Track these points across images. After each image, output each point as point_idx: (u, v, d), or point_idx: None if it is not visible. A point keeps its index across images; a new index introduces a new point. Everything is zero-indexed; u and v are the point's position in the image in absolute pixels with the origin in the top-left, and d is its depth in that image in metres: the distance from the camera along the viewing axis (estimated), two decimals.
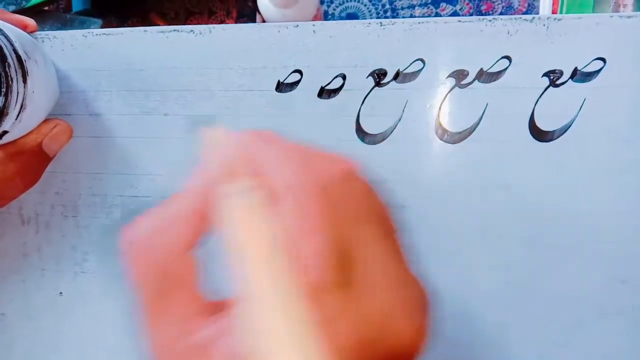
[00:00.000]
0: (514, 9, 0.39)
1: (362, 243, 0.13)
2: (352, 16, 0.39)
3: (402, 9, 0.37)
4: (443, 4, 0.36)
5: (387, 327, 0.13)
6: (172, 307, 0.13)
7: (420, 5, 0.36)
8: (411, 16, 0.39)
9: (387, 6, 0.37)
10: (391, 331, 0.13)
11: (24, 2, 0.35)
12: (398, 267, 0.14)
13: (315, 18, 0.34)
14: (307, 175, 0.13)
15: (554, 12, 0.35)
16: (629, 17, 0.20)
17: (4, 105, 0.19)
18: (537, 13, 0.39)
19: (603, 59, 0.21)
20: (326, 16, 0.39)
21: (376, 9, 0.38)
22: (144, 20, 0.39)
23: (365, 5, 0.38)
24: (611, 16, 0.21)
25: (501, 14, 0.39)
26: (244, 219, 0.13)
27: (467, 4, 0.36)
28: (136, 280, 0.13)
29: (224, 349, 0.12)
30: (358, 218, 0.14)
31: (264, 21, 0.34)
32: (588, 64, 0.21)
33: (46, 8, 0.36)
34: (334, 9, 0.39)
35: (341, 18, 0.39)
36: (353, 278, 0.13)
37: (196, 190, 0.14)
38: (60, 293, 0.26)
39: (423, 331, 0.14)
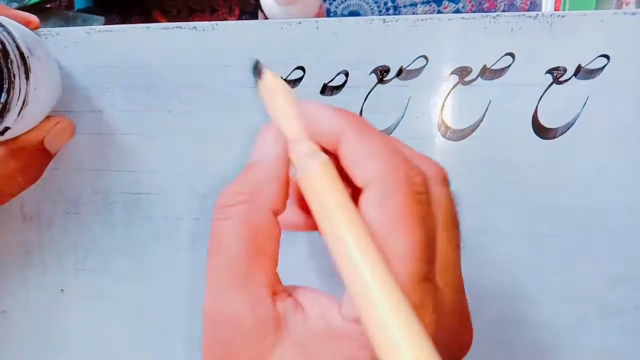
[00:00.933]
0: (516, 7, 0.39)
1: (442, 246, 0.14)
2: (354, 14, 0.39)
3: (405, 6, 0.37)
4: (445, 2, 0.36)
5: (458, 326, 0.14)
6: (255, 273, 0.13)
7: (422, 3, 0.36)
8: (413, 14, 0.39)
9: (389, 4, 0.37)
10: (460, 330, 0.14)
11: (26, 0, 0.35)
12: (461, 276, 0.14)
13: (317, 16, 0.34)
14: (407, 168, 0.13)
15: (556, 9, 0.35)
16: (633, 13, 0.20)
17: (6, 101, 0.19)
18: (540, 10, 0.39)
19: (607, 56, 0.21)
20: (328, 14, 0.39)
21: (378, 6, 0.38)
22: (146, 18, 0.39)
23: (367, 3, 0.38)
24: (615, 13, 0.20)
25: (503, 11, 0.39)
26: (327, 191, 0.13)
27: (470, 2, 0.36)
28: (224, 240, 0.13)
29: (298, 326, 0.13)
30: (444, 221, 0.14)
31: (266, 19, 0.34)
32: (592, 61, 0.21)
33: (48, 5, 0.36)
34: (337, 7, 0.39)
35: (343, 16, 0.39)
36: (433, 273, 0.13)
37: (279, 154, 0.14)
38: (62, 290, 0.26)
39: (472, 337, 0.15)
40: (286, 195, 0.14)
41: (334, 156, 0.14)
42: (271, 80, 0.15)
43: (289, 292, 0.14)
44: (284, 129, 0.15)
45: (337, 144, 0.14)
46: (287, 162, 0.14)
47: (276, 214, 0.14)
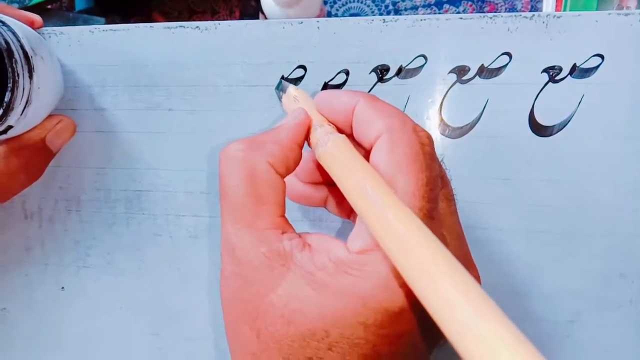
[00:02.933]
0: (517, 12, 0.40)
1: (442, 197, 0.15)
2: (355, 16, 0.39)
3: (405, 10, 0.37)
4: (446, 6, 0.36)
5: (462, 260, 0.14)
6: (259, 215, 0.14)
7: (423, 7, 0.36)
8: None
9: (390, 7, 0.38)
10: (465, 264, 0.14)
11: (27, 0, 0.36)
12: (459, 224, 0.16)
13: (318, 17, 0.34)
14: (414, 123, 0.15)
15: None
16: (626, 14, 0.21)
17: (10, 100, 0.19)
18: None
19: (601, 56, 0.22)
20: (329, 16, 0.39)
21: (379, 9, 0.38)
22: (147, 19, 0.39)
23: (368, 6, 0.39)
24: (609, 14, 0.21)
25: None
26: (344, 154, 0.15)
27: (470, 6, 0.37)
28: (229, 187, 0.15)
29: (305, 260, 0.14)
30: (440, 176, 0.15)
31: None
32: (586, 61, 0.22)
33: (49, 6, 0.36)
34: (337, 9, 0.39)
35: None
36: (437, 215, 0.14)
37: (296, 121, 0.16)
38: (63, 288, 0.26)
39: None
40: (288, 160, 0.16)
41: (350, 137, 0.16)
42: (293, 90, 0.18)
43: (298, 234, 0.15)
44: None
45: (351, 115, 0.15)
46: (297, 134, 0.16)
47: (276, 168, 0.15)
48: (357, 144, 0.16)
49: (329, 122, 0.17)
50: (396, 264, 0.12)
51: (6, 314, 0.26)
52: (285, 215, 0.15)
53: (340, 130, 0.16)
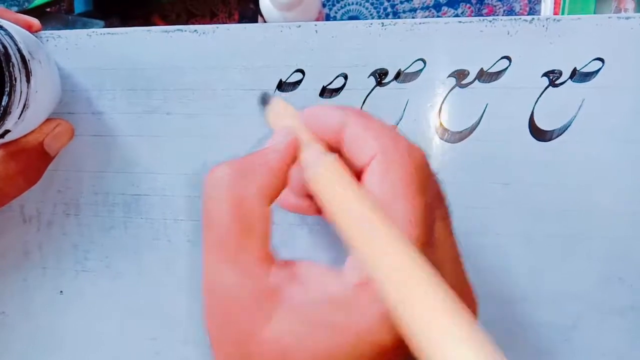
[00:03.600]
0: (515, 14, 0.40)
1: (438, 218, 0.14)
2: (353, 19, 0.39)
3: (404, 12, 0.37)
4: (445, 8, 0.36)
5: (459, 290, 0.14)
6: (245, 249, 0.13)
7: (422, 9, 0.36)
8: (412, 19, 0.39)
9: (389, 10, 0.38)
10: (463, 295, 0.14)
11: (26, 4, 0.36)
12: (456, 247, 0.15)
13: (317, 20, 0.34)
14: (408, 143, 0.14)
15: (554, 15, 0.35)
16: (627, 18, 0.21)
17: (7, 104, 0.19)
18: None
19: (602, 60, 0.21)
20: (328, 19, 0.39)
21: (378, 12, 0.38)
22: (146, 22, 0.39)
23: (367, 8, 0.39)
24: (610, 17, 0.21)
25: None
26: (335, 179, 0.14)
27: (469, 8, 0.37)
28: (214, 218, 0.14)
29: (295, 295, 0.13)
30: (436, 195, 0.15)
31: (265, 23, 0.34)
32: (587, 65, 0.22)
33: (48, 9, 0.36)
34: (336, 12, 0.39)
35: (343, 20, 0.39)
36: (433, 241, 0.14)
37: (286, 143, 0.15)
38: (61, 291, 0.26)
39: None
40: (278, 186, 0.15)
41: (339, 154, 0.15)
42: (277, 104, 0.17)
43: (286, 265, 0.14)
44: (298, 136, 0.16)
45: (341, 134, 0.15)
46: (287, 156, 0.15)
47: (264, 197, 0.14)
48: (346, 162, 0.15)
49: (317, 139, 0.15)
50: (391, 303, 0.12)
51: (5, 318, 0.26)
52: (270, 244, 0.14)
53: (328, 148, 0.15)
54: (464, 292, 0.15)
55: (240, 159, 0.15)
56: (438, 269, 0.13)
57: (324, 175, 0.14)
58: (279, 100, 0.17)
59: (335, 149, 0.15)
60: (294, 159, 0.15)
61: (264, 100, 0.18)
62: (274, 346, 0.13)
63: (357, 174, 0.14)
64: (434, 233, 0.14)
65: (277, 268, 0.14)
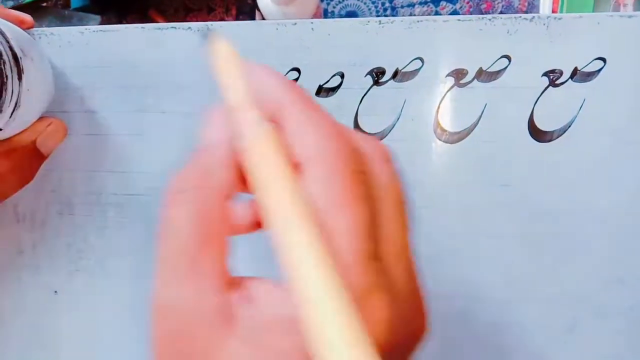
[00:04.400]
0: (514, 9, 0.39)
1: (388, 226, 0.13)
2: (351, 14, 0.38)
3: (402, 7, 0.37)
4: (443, 2, 0.35)
5: (412, 310, 0.13)
6: (204, 262, 0.12)
7: (420, 4, 0.36)
8: (410, 14, 0.38)
9: (387, 4, 0.37)
10: (415, 315, 0.13)
11: None
12: (412, 257, 0.14)
13: (315, 16, 0.33)
14: (349, 148, 0.13)
15: (554, 11, 0.35)
16: (629, 16, 0.20)
17: None
18: (537, 12, 0.38)
19: (603, 59, 0.21)
20: (326, 14, 0.39)
21: (376, 7, 0.38)
22: (143, 17, 0.38)
23: (364, 3, 0.38)
24: (611, 16, 0.20)
25: (501, 12, 0.39)
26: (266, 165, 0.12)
27: (467, 3, 0.36)
28: (172, 227, 0.13)
29: (248, 318, 0.12)
30: (389, 201, 0.13)
31: (263, 19, 0.34)
32: (588, 64, 0.21)
33: (44, 4, 0.36)
34: (334, 7, 0.39)
35: (341, 16, 0.39)
36: (381, 253, 0.13)
37: (227, 137, 0.14)
38: (55, 291, 0.25)
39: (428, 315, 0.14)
40: (238, 179, 0.13)
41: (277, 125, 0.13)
42: (222, 46, 0.15)
43: (240, 283, 0.13)
44: (230, 95, 0.14)
45: (278, 113, 0.13)
46: (236, 145, 0.13)
47: (228, 198, 0.13)
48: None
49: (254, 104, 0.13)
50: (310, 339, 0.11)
51: None
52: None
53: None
54: (416, 307, 0.14)
55: (192, 163, 0.14)
56: (390, 283, 0.12)
57: (257, 148, 0.13)
58: (224, 43, 0.15)
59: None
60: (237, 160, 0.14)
61: (205, 35, 0.16)
62: None
63: (291, 155, 0.13)
64: (382, 244, 0.13)
65: (233, 286, 0.13)
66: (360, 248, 0.12)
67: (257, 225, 0.14)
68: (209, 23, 0.23)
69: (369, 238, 0.12)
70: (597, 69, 0.21)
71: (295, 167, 0.13)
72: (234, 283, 0.13)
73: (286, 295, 0.12)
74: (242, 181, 0.14)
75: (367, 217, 0.12)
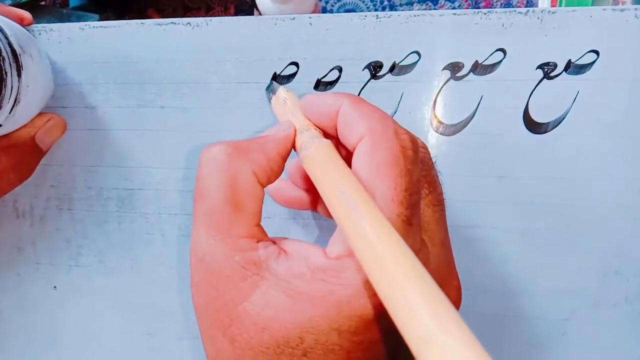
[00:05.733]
0: (513, 6, 0.40)
1: (428, 203, 0.15)
2: (350, 12, 0.39)
3: (401, 5, 0.37)
4: (442, 1, 0.36)
5: (441, 281, 0.14)
6: (234, 223, 0.14)
7: (419, 2, 0.36)
8: None
9: (386, 3, 0.37)
10: (445, 286, 0.14)
11: None
12: (445, 231, 0.16)
13: (313, 13, 0.34)
14: (396, 126, 0.15)
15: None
16: (621, 10, 0.21)
17: None
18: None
19: (596, 52, 0.21)
20: (324, 12, 0.39)
21: (374, 5, 0.38)
22: (141, 15, 0.38)
23: (363, 1, 0.38)
24: (604, 9, 0.21)
25: None
26: (324, 163, 0.14)
27: (466, 1, 0.36)
28: (208, 190, 0.14)
29: (280, 268, 0.13)
30: (428, 181, 0.15)
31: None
32: (582, 57, 0.21)
33: (43, 2, 0.36)
34: (332, 5, 0.39)
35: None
36: (417, 222, 0.14)
37: (285, 134, 0.16)
38: (55, 287, 0.25)
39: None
40: (272, 171, 0.15)
41: (335, 140, 0.16)
42: (282, 92, 0.18)
43: (274, 241, 0.15)
44: (295, 122, 0.17)
45: (336, 117, 0.15)
46: (282, 145, 0.16)
47: (257, 178, 0.15)
48: (344, 149, 0.15)
49: (316, 126, 0.16)
50: (366, 272, 0.12)
51: None
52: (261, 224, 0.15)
53: (327, 136, 0.16)
54: (448, 278, 0.15)
55: (237, 141, 0.15)
56: (422, 249, 0.14)
57: (315, 156, 0.15)
58: (281, 88, 0.18)
59: (334, 136, 0.16)
60: (289, 150, 0.16)
61: (271, 88, 0.19)
62: (256, 316, 0.13)
63: (351, 158, 0.15)
64: (419, 214, 0.14)
65: (265, 243, 0.14)
66: (397, 212, 0.13)
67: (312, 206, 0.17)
68: (207, 18, 0.23)
69: (406, 204, 0.13)
70: (590, 61, 0.21)
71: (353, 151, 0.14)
72: (267, 241, 0.14)
73: (318, 250, 0.14)
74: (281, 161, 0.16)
75: (407, 185, 0.13)
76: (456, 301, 0.16)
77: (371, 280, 0.12)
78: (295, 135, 0.16)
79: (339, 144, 0.16)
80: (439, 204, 0.16)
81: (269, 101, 0.19)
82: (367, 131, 0.14)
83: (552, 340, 0.23)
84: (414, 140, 0.15)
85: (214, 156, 0.15)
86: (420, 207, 0.15)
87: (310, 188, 0.18)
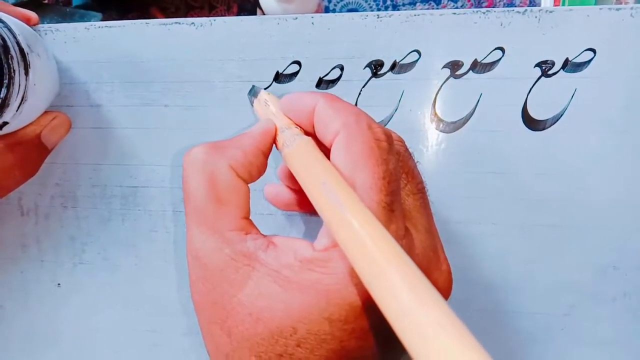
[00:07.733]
0: (515, 7, 0.40)
1: (408, 191, 0.16)
2: (353, 12, 0.39)
3: (404, 5, 0.37)
4: (445, 1, 0.36)
5: (428, 266, 0.15)
6: (220, 218, 0.15)
7: (421, 1, 0.36)
8: None
9: (388, 2, 0.38)
10: (433, 271, 0.15)
11: None
12: (429, 217, 0.16)
13: (315, 13, 0.34)
14: (370, 120, 0.15)
15: None
16: (617, 9, 0.21)
17: (6, 96, 0.19)
18: None
19: (593, 50, 0.22)
20: (327, 12, 0.39)
21: (377, 4, 0.38)
22: (145, 14, 0.39)
23: (366, 1, 0.39)
24: (600, 8, 0.21)
25: None
26: (304, 157, 0.15)
27: (469, 1, 0.37)
28: (191, 189, 0.15)
29: (270, 259, 0.14)
30: (406, 170, 0.16)
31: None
32: (579, 55, 0.22)
33: (46, 1, 0.36)
34: (335, 5, 0.39)
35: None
36: (398, 208, 0.14)
37: (262, 130, 0.17)
38: (59, 284, 0.26)
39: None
40: (251, 166, 0.16)
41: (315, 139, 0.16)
42: (264, 94, 0.19)
43: (264, 235, 0.15)
44: (277, 121, 0.17)
45: (311, 113, 0.16)
46: (260, 140, 0.16)
47: (236, 172, 0.15)
48: (323, 146, 0.16)
49: (296, 125, 0.17)
50: (349, 257, 0.12)
51: (2, 312, 0.26)
52: (250, 218, 0.16)
53: (308, 134, 0.16)
54: (436, 263, 0.16)
55: (216, 141, 0.16)
56: (407, 236, 0.14)
57: (296, 152, 0.15)
58: (263, 91, 0.19)
59: (313, 134, 0.16)
60: (269, 145, 0.16)
61: (253, 92, 0.20)
62: (251, 307, 0.13)
63: (329, 153, 0.15)
64: (400, 202, 0.15)
65: (253, 235, 0.15)
66: (377, 200, 0.13)
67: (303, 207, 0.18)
68: (211, 18, 0.24)
69: (385, 191, 0.14)
70: (587, 59, 0.22)
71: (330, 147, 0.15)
72: (256, 234, 0.15)
73: (306, 243, 0.14)
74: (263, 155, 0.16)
75: (385, 174, 0.14)
76: (446, 285, 0.16)
77: (354, 264, 0.12)
78: (276, 133, 0.17)
79: (318, 142, 0.16)
80: (419, 192, 0.16)
81: (252, 105, 0.20)
82: (341, 127, 0.15)
83: (552, 335, 0.23)
84: (387, 133, 0.15)
85: (194, 156, 0.15)
86: (401, 196, 0.15)
87: (300, 188, 0.19)
